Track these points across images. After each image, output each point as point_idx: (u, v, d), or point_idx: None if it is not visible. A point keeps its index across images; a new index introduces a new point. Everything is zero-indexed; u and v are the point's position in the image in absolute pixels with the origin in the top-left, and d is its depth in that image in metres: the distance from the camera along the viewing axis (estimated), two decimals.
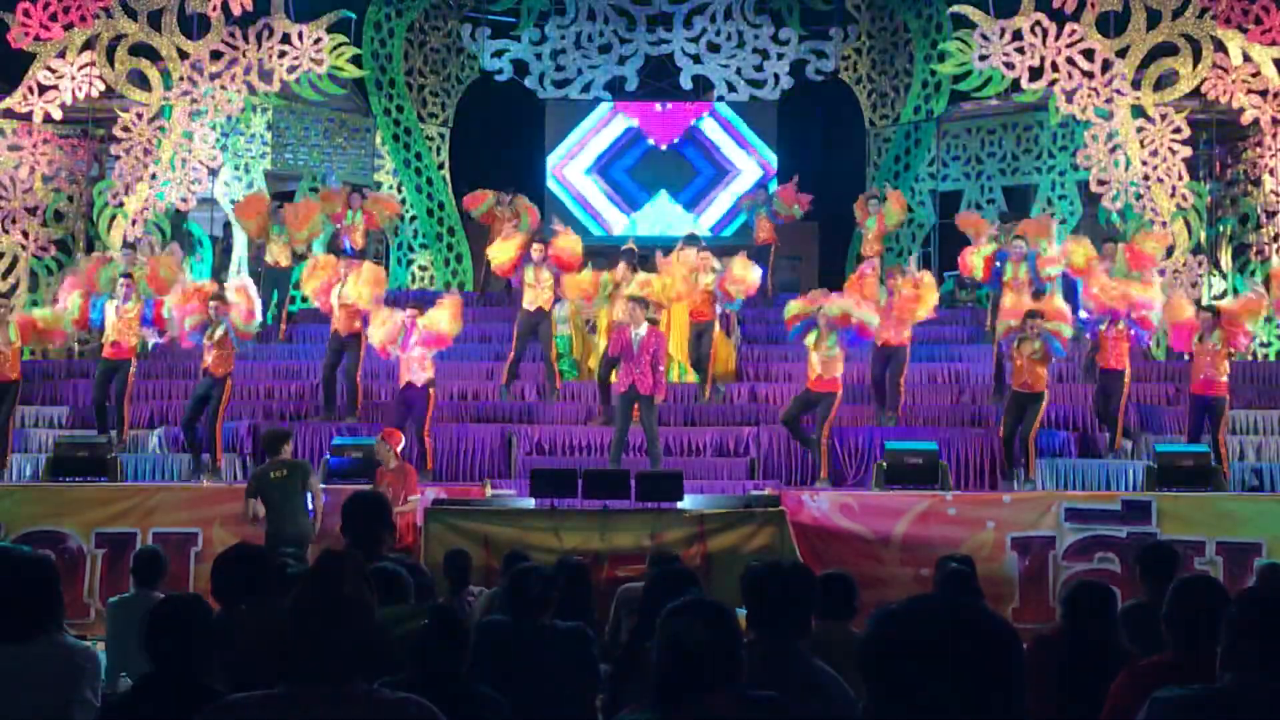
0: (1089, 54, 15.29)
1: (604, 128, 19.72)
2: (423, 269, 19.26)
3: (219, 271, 17.34)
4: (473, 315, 15.17)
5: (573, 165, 19.71)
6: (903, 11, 19.10)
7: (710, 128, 19.75)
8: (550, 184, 19.58)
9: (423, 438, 12.55)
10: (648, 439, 12.56)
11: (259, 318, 13.12)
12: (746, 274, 14.25)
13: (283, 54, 15.59)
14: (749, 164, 19.70)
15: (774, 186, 17.96)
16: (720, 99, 19.37)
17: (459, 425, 13.44)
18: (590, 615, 6.38)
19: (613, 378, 13.56)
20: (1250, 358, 14.81)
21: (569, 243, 14.19)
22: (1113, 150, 15.27)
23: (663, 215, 19.75)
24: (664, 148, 19.76)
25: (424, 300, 13.34)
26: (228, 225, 17.66)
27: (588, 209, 19.67)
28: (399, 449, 11.36)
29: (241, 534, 10.28)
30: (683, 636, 2.97)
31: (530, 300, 14.03)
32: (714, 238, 18.81)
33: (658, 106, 19.77)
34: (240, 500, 11.35)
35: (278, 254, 15.48)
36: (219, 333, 12.55)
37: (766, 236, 17.03)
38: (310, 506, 10.78)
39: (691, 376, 14.69)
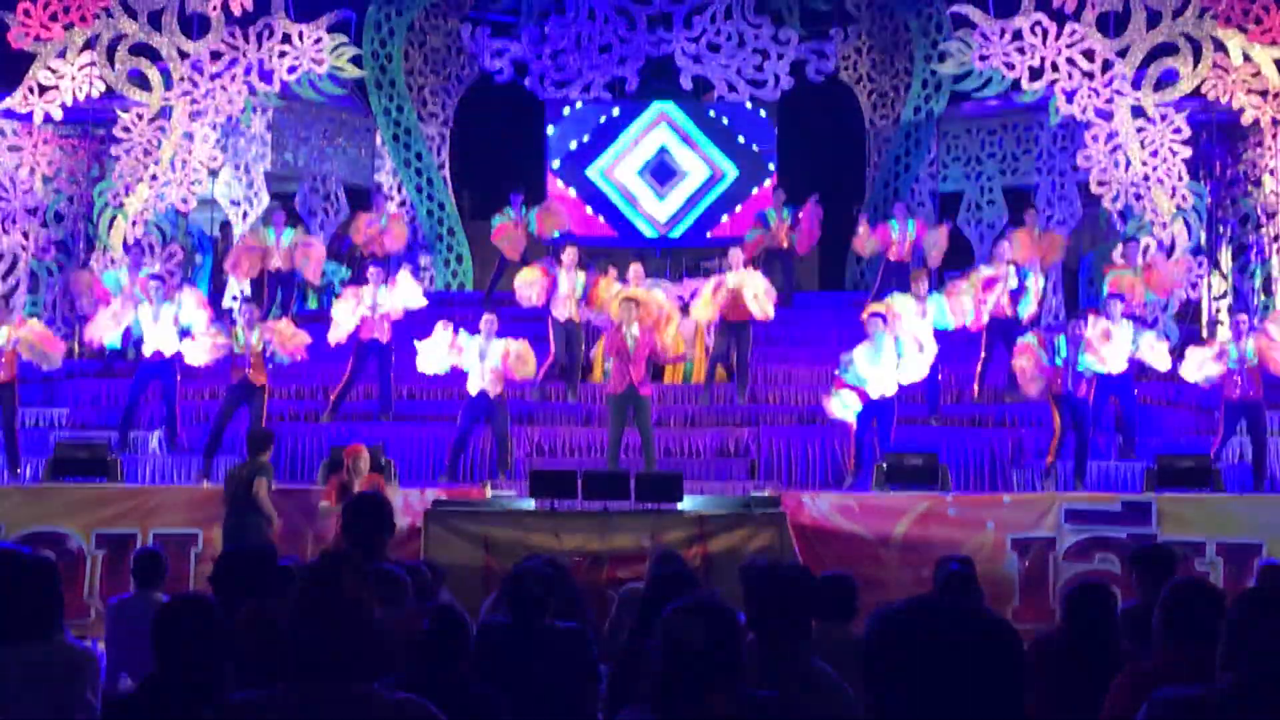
0: (1089, 54, 15.29)
1: (652, 129, 19.54)
2: (423, 269, 19.24)
3: (218, 273, 17.34)
4: (474, 316, 15.15)
5: (623, 166, 19.52)
6: (902, 11, 19.10)
7: (662, 129, 19.58)
8: (601, 184, 19.38)
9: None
10: (643, 441, 12.57)
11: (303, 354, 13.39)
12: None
13: (283, 54, 15.58)
14: (696, 165, 19.35)
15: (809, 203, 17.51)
16: (721, 98, 19.30)
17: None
18: (582, 617, 6.37)
19: (597, 376, 13.68)
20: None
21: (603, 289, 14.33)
22: (1113, 151, 15.27)
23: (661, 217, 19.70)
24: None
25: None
26: (225, 226, 17.65)
27: (640, 210, 19.43)
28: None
29: None
30: (684, 637, 2.97)
31: (562, 311, 14.18)
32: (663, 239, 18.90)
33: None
34: None
35: (279, 259, 15.55)
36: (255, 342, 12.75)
37: (781, 241, 16.94)
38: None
39: (698, 378, 14.76)
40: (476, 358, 12.81)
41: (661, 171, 19.37)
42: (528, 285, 14.44)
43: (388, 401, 13.95)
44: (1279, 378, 12.78)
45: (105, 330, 13.78)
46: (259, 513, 10.64)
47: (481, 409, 12.88)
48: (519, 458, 13.26)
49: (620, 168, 19.25)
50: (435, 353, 12.89)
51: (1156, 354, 12.87)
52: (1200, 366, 12.59)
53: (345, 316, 13.73)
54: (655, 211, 19.24)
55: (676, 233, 19.13)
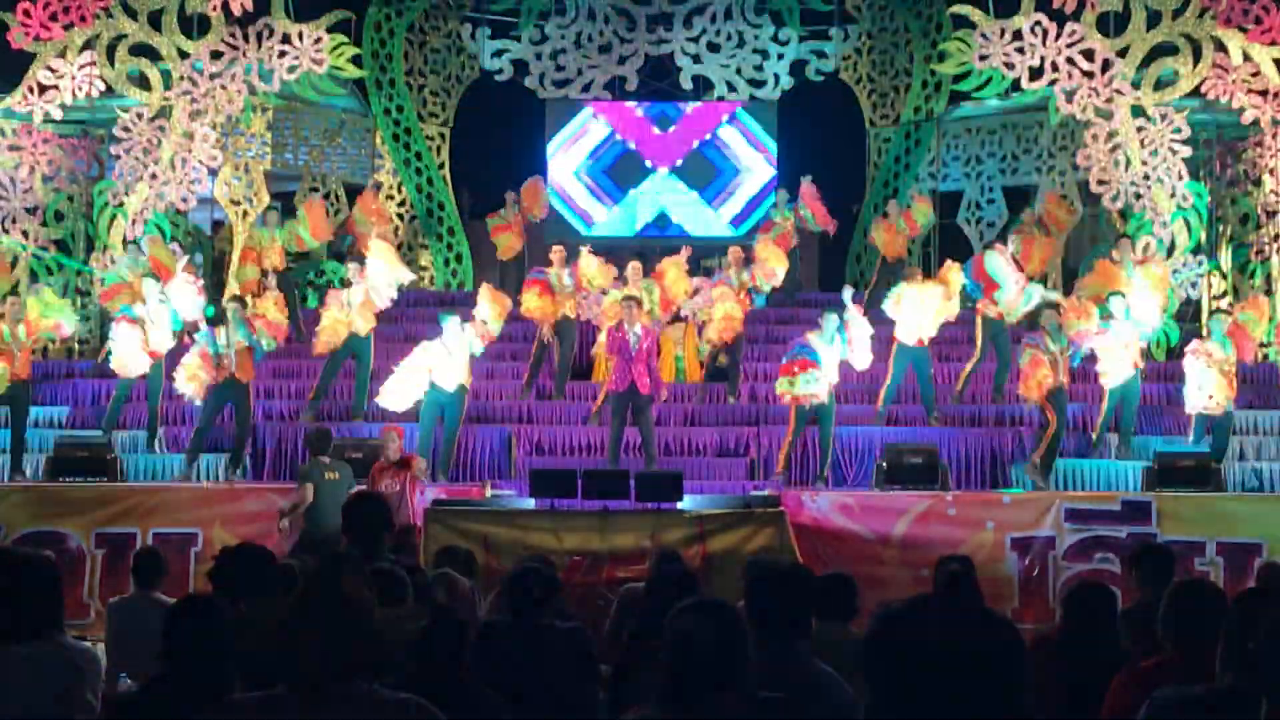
0: (1089, 54, 15.29)
1: (584, 135, 19.69)
2: (423, 269, 19.23)
3: (214, 273, 17.31)
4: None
5: (559, 166, 19.68)
6: (903, 11, 19.09)
7: (727, 130, 19.76)
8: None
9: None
10: (644, 439, 12.56)
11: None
12: (777, 262, 14.52)
13: (283, 54, 15.57)
14: (759, 163, 19.69)
15: (801, 184, 17.44)
16: (744, 105, 19.41)
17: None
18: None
19: (601, 375, 13.64)
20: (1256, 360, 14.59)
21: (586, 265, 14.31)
22: (1113, 150, 15.26)
23: (656, 210, 19.84)
24: (679, 161, 19.79)
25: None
26: (218, 225, 17.67)
27: (574, 207, 19.67)
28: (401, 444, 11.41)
29: (242, 534, 10.29)
30: (691, 637, 2.97)
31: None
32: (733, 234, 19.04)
33: (653, 126, 19.77)
34: (240, 500, 11.47)
35: (275, 257, 15.51)
36: (239, 339, 12.66)
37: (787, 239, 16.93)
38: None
39: (691, 377, 14.77)
40: (444, 358, 12.66)
41: (607, 170, 19.58)
42: (543, 316, 14.19)
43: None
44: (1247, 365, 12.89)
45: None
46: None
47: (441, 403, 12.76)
48: (519, 456, 13.25)
49: (558, 167, 19.50)
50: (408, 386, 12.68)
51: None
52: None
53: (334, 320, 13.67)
54: (591, 209, 19.46)
55: (743, 230, 19.25)
